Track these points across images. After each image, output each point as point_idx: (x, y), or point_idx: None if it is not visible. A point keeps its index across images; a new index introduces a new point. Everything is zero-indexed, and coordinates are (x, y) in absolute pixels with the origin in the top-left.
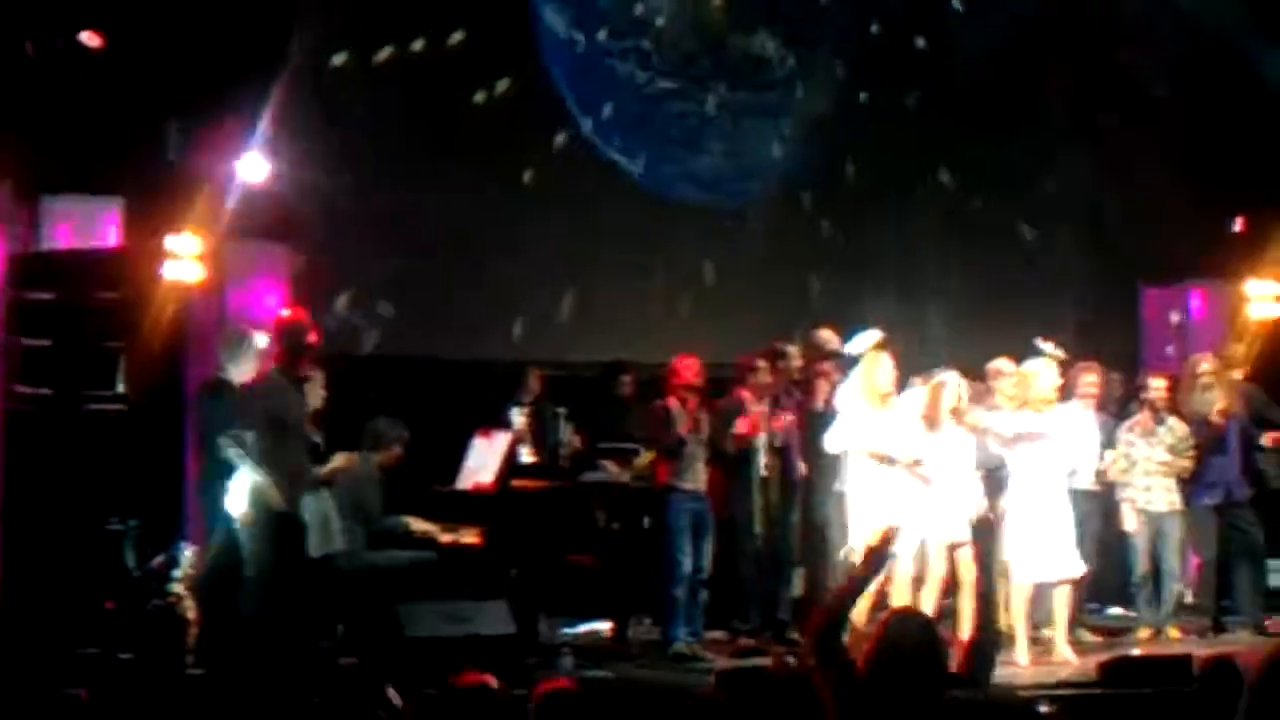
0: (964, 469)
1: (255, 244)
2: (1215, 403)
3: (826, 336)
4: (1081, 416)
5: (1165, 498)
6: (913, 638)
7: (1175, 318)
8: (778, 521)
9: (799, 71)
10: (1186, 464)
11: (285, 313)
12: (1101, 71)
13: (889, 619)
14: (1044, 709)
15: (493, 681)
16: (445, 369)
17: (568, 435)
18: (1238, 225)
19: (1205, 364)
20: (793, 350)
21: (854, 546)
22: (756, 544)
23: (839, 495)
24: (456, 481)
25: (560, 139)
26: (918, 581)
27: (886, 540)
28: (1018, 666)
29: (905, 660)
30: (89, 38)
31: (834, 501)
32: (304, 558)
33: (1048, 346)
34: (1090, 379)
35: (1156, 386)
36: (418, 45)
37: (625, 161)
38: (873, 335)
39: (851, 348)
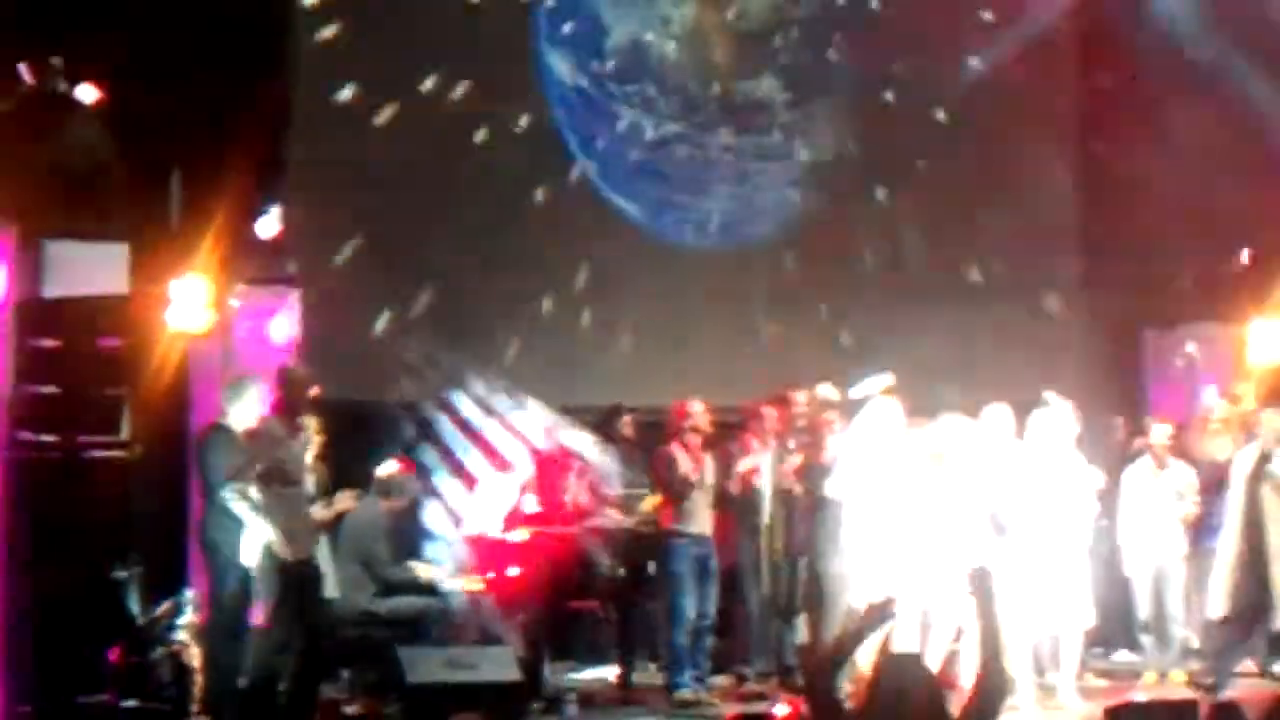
0: (967, 512)
1: (262, 289)
2: (1225, 448)
3: (827, 390)
4: (1073, 460)
5: (1169, 542)
6: (908, 680)
7: (1180, 362)
8: (783, 567)
9: (803, 116)
10: (1192, 509)
11: (288, 362)
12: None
13: (886, 661)
14: None
15: None
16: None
17: (575, 488)
18: (1245, 258)
19: (1218, 410)
20: (799, 397)
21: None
22: (762, 589)
23: (840, 543)
24: (463, 526)
25: (561, 183)
26: (925, 629)
27: (888, 603)
28: (1023, 713)
29: (901, 702)
30: (86, 92)
31: (835, 549)
32: (319, 606)
33: (1051, 396)
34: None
35: (1160, 432)
36: (424, 87)
37: (629, 206)
38: (882, 380)
39: (858, 391)
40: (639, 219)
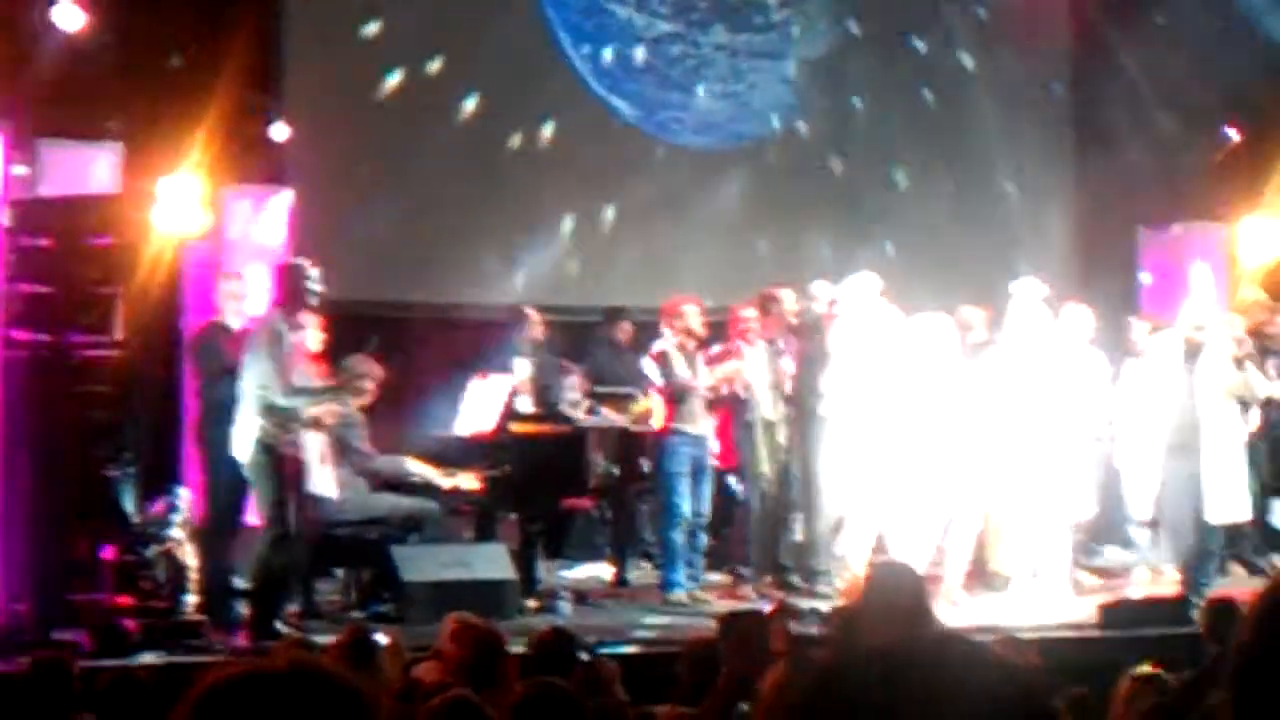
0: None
1: (255, 188)
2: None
3: (823, 287)
4: (1084, 357)
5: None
6: (896, 585)
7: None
8: (783, 465)
9: (797, 13)
10: None
11: (294, 259)
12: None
13: (874, 569)
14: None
15: None
16: (445, 316)
17: (574, 391)
18: (1234, 137)
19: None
20: (786, 296)
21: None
22: (762, 486)
23: (833, 444)
24: (455, 426)
25: (559, 84)
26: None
27: None
28: (1017, 609)
29: (889, 607)
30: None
31: (826, 449)
32: (312, 501)
33: (1025, 283)
34: (1079, 318)
35: (1140, 329)
36: None
37: (625, 105)
38: (869, 280)
39: (846, 292)
40: (634, 118)
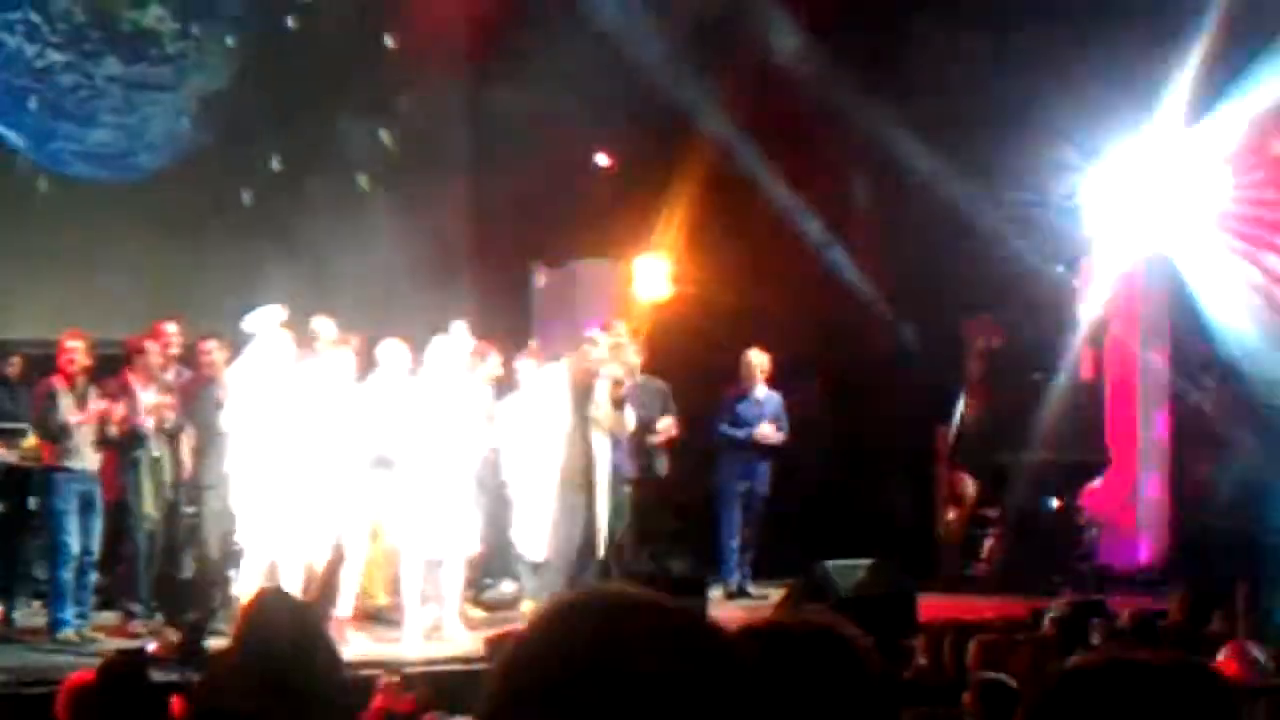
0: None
1: None
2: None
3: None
4: (473, 391)
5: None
6: (276, 614)
7: (540, 281)
8: (171, 503)
9: (193, 46)
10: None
11: None
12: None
13: (258, 597)
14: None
15: None
16: None
17: None
18: (604, 160)
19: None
20: (170, 329)
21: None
22: (148, 525)
23: (224, 478)
24: None
25: None
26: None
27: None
28: (407, 643)
29: (267, 639)
30: None
31: (219, 484)
32: None
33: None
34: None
35: (529, 366)
36: None
37: (13, 135)
38: (274, 312)
39: (250, 324)
40: (23, 148)
